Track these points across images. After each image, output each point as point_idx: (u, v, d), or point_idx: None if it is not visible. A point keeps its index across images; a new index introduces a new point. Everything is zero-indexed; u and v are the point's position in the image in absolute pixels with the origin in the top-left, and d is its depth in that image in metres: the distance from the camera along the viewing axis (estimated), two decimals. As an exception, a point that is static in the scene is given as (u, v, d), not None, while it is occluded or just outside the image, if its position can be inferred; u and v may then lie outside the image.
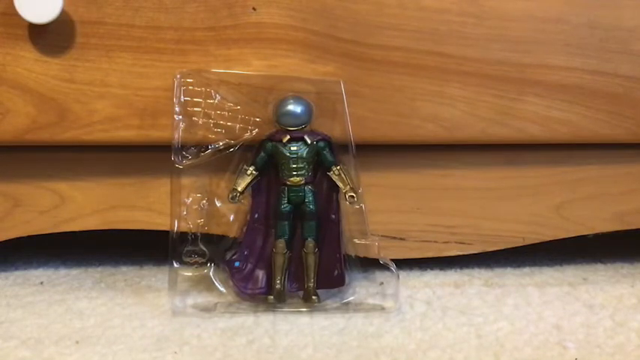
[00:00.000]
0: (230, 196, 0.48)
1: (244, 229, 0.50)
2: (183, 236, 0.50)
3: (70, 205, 0.54)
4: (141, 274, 0.59)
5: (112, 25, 0.49)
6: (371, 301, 0.51)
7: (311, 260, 0.49)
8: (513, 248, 0.57)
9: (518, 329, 0.46)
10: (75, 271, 0.59)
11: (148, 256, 0.62)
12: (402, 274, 0.56)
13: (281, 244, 0.48)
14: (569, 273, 0.59)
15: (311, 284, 0.49)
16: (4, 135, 0.50)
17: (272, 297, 0.49)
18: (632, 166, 0.57)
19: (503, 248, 0.57)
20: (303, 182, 0.48)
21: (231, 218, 0.51)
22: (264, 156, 0.48)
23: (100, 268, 0.60)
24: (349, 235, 0.50)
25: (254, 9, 0.49)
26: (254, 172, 0.48)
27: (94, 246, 0.66)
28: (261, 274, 0.50)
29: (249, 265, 0.50)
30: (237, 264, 0.49)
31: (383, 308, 0.50)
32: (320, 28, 0.50)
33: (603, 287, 0.55)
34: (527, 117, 0.52)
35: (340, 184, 0.48)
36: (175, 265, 0.49)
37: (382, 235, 0.54)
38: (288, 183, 0.48)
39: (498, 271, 0.59)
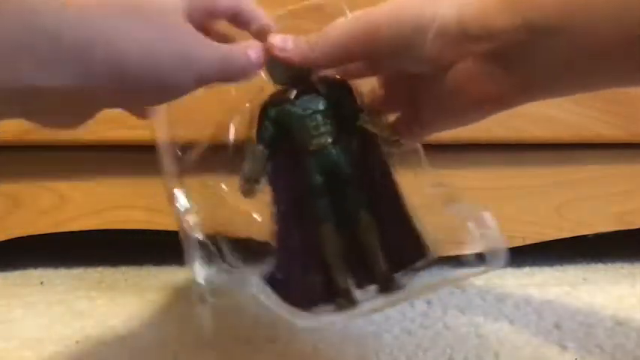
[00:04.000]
0: (244, 189, 0.36)
1: (273, 229, 0.36)
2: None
3: (70, 205, 0.54)
4: (141, 274, 0.59)
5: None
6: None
7: (372, 238, 0.36)
8: (513, 248, 0.57)
9: (518, 329, 0.46)
10: (75, 271, 0.59)
11: (148, 256, 0.62)
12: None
13: (328, 228, 0.36)
14: (569, 273, 0.59)
15: (382, 268, 0.35)
16: (4, 135, 0.50)
17: (340, 301, 0.35)
18: (632, 166, 0.57)
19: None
20: (329, 142, 0.36)
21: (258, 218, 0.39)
22: (269, 126, 0.36)
23: (100, 268, 0.60)
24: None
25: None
26: (264, 150, 0.36)
27: (94, 246, 0.66)
28: (314, 279, 0.36)
29: (295, 273, 0.36)
30: (279, 277, 0.35)
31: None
32: (320, 28, 0.50)
33: (603, 287, 0.55)
34: (527, 117, 0.52)
35: (377, 130, 0.37)
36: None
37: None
38: (311, 149, 0.36)
39: (498, 271, 0.59)
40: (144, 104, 0.29)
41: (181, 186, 0.37)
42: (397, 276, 0.36)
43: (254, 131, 0.37)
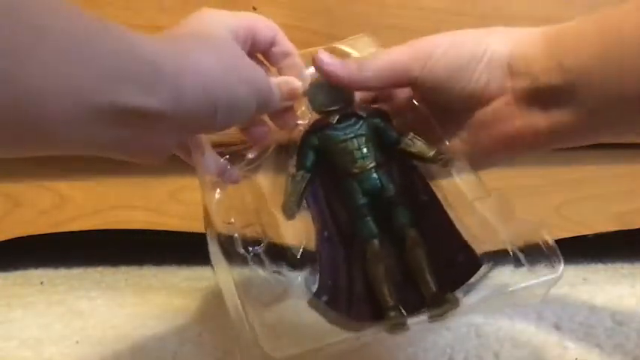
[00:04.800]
0: (286, 213, 0.36)
1: (317, 253, 0.35)
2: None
3: (70, 205, 0.54)
4: (141, 274, 0.59)
5: (112, 25, 0.49)
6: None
7: (420, 254, 0.34)
8: (513, 248, 0.57)
9: (518, 329, 0.46)
10: (75, 271, 0.59)
11: (148, 256, 0.62)
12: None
13: (374, 246, 0.35)
14: (569, 273, 0.59)
15: (431, 285, 0.33)
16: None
17: (390, 322, 0.32)
18: (632, 166, 0.57)
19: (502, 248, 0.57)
20: (373, 165, 0.35)
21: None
22: (310, 153, 0.36)
23: (100, 268, 0.60)
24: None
25: (254, 8, 0.49)
26: (305, 174, 0.36)
27: (94, 246, 0.66)
28: (360, 300, 0.34)
29: (341, 294, 0.34)
30: (324, 298, 0.33)
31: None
32: (320, 28, 0.50)
33: (603, 287, 0.55)
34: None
35: (422, 151, 0.36)
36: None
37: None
38: (354, 171, 0.35)
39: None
40: (213, 129, 0.31)
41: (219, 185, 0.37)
42: (449, 294, 0.32)
43: (295, 158, 0.37)
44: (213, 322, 0.47)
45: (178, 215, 0.53)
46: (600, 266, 0.61)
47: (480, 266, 0.33)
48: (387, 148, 0.36)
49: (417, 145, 0.36)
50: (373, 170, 0.35)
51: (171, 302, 0.51)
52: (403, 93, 0.38)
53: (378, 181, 0.35)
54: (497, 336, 0.45)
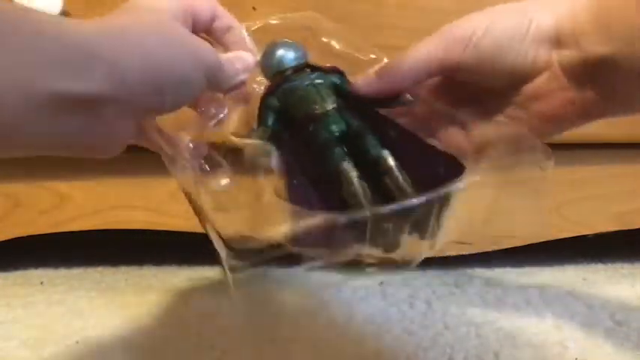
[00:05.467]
0: (249, 163, 0.34)
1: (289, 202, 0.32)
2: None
3: (70, 205, 0.54)
4: (141, 274, 0.59)
5: (112, 25, 0.49)
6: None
7: (396, 176, 0.32)
8: (513, 248, 0.57)
9: (518, 329, 0.46)
10: (75, 271, 0.59)
11: (148, 256, 0.62)
12: (403, 274, 0.56)
13: (347, 165, 0.32)
14: (569, 273, 0.59)
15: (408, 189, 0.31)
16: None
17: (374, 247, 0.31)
18: (632, 166, 0.57)
19: (503, 248, 0.57)
20: (334, 107, 0.34)
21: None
22: (271, 113, 0.36)
23: (100, 268, 0.60)
24: None
25: (254, 9, 0.49)
26: (266, 128, 0.36)
27: (94, 246, 0.66)
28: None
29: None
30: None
31: None
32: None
33: (603, 287, 0.55)
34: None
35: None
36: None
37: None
38: (316, 113, 0.34)
39: (498, 271, 0.59)
40: (163, 109, 0.30)
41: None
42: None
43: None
44: (213, 322, 0.47)
45: (178, 215, 0.53)
46: (600, 266, 0.61)
47: (464, 168, 0.31)
48: (347, 99, 0.35)
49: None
50: (335, 111, 0.34)
51: (171, 302, 0.51)
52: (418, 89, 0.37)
53: (341, 119, 0.34)
54: (498, 336, 0.45)
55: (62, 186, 0.54)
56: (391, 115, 0.35)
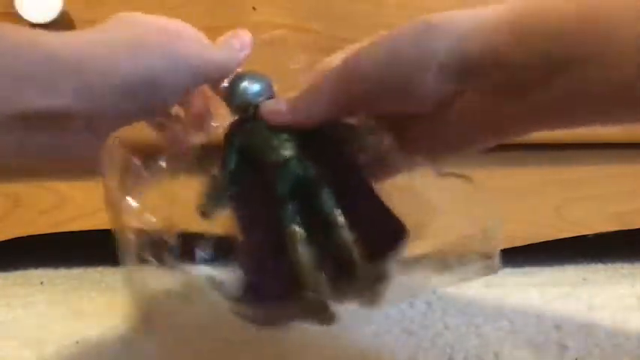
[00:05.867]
0: (204, 213, 0.35)
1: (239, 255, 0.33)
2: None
3: (70, 205, 0.54)
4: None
5: (112, 25, 0.49)
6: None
7: (344, 233, 0.31)
8: (513, 248, 0.57)
9: (518, 329, 0.46)
10: (75, 271, 0.59)
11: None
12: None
13: (295, 231, 0.32)
14: (569, 273, 0.59)
15: (357, 260, 0.31)
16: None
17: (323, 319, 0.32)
18: (632, 166, 0.57)
19: (503, 248, 0.57)
20: (293, 154, 0.33)
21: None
22: (233, 155, 0.35)
23: (100, 268, 0.60)
24: None
25: (254, 8, 0.49)
26: (227, 175, 0.35)
27: (94, 246, 0.66)
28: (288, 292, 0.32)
29: (267, 289, 0.32)
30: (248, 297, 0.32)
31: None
32: (320, 28, 0.50)
33: (603, 287, 0.55)
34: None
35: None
36: None
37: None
38: (275, 160, 0.33)
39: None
40: (136, 116, 0.30)
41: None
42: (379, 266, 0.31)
43: (215, 161, 0.35)
44: (213, 322, 0.47)
45: (178, 215, 0.53)
46: (600, 266, 0.61)
47: (404, 231, 0.32)
48: (311, 137, 0.34)
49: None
50: (293, 159, 0.33)
51: (171, 302, 0.51)
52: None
53: (298, 168, 0.33)
54: (498, 336, 0.45)
55: (62, 186, 0.54)
56: (355, 158, 0.34)
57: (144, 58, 0.28)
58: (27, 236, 0.55)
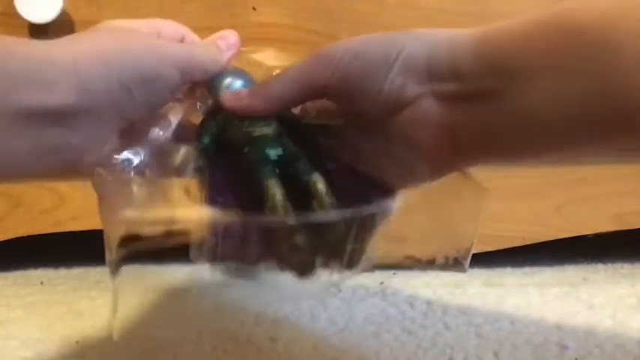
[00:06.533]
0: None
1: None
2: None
3: (70, 205, 0.54)
4: (141, 274, 0.59)
5: (112, 25, 0.49)
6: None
7: (323, 198, 0.31)
8: (513, 248, 0.57)
9: (518, 329, 0.46)
10: (75, 271, 0.59)
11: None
12: (403, 274, 0.56)
13: (273, 182, 0.31)
14: (569, 273, 0.59)
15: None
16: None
17: (294, 272, 0.30)
18: (632, 166, 0.57)
19: (503, 248, 0.57)
20: (272, 131, 0.34)
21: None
22: (208, 135, 0.35)
23: (100, 268, 0.60)
24: None
25: (254, 9, 0.49)
26: (200, 146, 0.34)
27: (94, 246, 0.66)
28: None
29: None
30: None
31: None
32: (320, 28, 0.50)
33: (603, 287, 0.55)
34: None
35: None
36: None
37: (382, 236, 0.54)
38: (253, 136, 0.34)
39: (498, 271, 0.59)
40: (136, 110, 0.30)
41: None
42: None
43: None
44: (213, 322, 0.47)
45: (178, 215, 0.53)
46: (600, 266, 0.61)
47: (394, 194, 0.30)
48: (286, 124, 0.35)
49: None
50: (273, 135, 0.34)
51: (171, 302, 0.51)
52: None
53: (278, 144, 0.34)
54: (498, 336, 0.45)
55: (62, 186, 0.54)
56: (332, 148, 0.35)
57: (136, 57, 0.29)
58: (27, 236, 0.55)
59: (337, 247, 0.30)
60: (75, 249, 0.64)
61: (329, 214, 0.30)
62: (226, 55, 0.35)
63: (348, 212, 0.29)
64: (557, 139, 0.28)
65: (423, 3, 0.50)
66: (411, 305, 0.51)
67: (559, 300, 0.52)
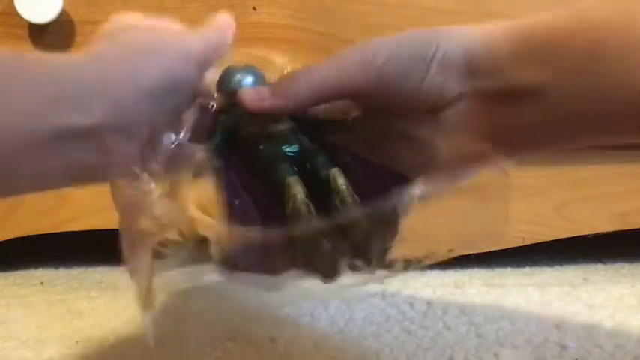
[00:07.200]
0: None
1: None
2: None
3: (70, 205, 0.54)
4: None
5: (112, 25, 0.49)
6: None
7: (345, 195, 0.30)
8: (513, 248, 0.57)
9: (518, 329, 0.46)
10: (75, 271, 0.59)
11: (148, 256, 0.62)
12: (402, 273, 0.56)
13: (293, 180, 0.31)
14: (569, 273, 0.59)
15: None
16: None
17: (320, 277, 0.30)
18: (632, 166, 0.57)
19: (503, 248, 0.57)
20: (288, 127, 0.34)
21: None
22: (219, 133, 0.34)
23: (100, 268, 0.60)
24: None
25: (254, 9, 0.49)
26: (212, 145, 0.33)
27: (94, 246, 0.66)
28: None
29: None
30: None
31: None
32: (320, 28, 0.50)
33: (603, 287, 0.55)
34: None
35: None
36: None
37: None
38: (269, 131, 0.33)
39: (498, 271, 0.59)
40: (163, 119, 0.30)
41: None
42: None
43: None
44: (213, 322, 0.47)
45: (178, 215, 0.53)
46: (600, 266, 0.61)
47: (413, 181, 0.30)
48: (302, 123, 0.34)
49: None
50: (289, 131, 0.33)
51: (172, 302, 0.51)
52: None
53: (294, 140, 0.33)
54: (497, 336, 0.45)
55: (62, 186, 0.54)
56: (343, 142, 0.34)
57: (164, 63, 0.29)
58: (27, 236, 0.55)
59: (363, 244, 0.30)
60: (75, 249, 0.64)
61: (354, 212, 0.29)
62: (230, 33, 0.34)
63: (371, 207, 0.29)
64: (597, 128, 0.29)
65: (423, 3, 0.50)
66: (411, 305, 0.51)
67: (559, 300, 0.52)
